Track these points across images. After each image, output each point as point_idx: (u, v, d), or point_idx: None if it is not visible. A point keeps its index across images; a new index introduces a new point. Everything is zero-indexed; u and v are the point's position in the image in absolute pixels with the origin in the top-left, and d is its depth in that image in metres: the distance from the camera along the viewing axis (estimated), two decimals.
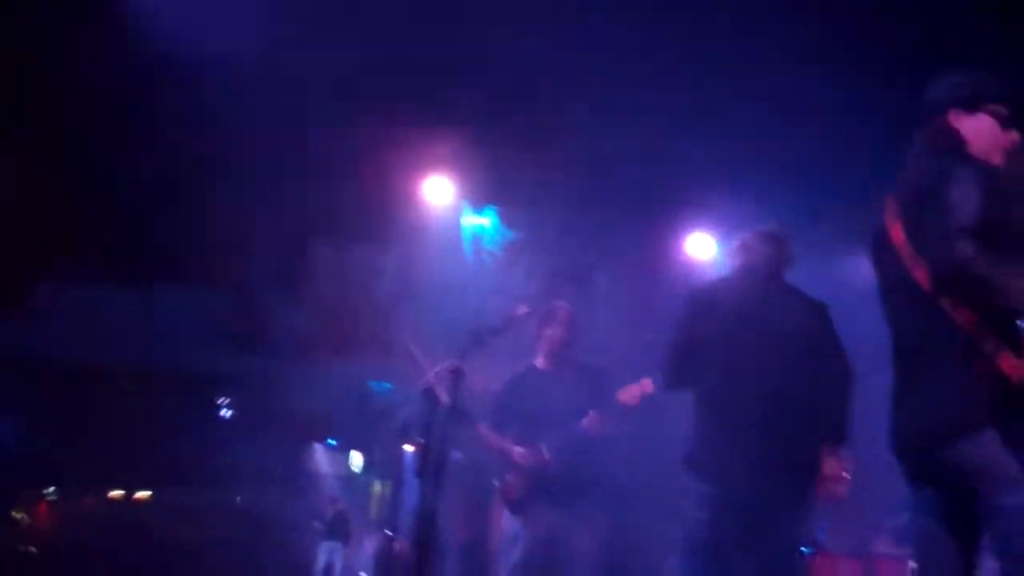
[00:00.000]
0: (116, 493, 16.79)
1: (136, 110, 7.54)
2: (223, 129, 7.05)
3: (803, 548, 4.60)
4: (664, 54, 6.81)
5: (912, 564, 5.75)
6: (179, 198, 8.78)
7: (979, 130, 3.03)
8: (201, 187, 8.26)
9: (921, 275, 2.86)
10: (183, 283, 11.92)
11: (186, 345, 12.46)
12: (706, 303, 4.45)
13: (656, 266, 8.60)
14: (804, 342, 4.27)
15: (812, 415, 4.21)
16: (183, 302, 12.21)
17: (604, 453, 5.58)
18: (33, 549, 13.61)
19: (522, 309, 4.59)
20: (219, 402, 14.85)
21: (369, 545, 12.21)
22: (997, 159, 3.02)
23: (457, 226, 8.75)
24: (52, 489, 16.16)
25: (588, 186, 8.07)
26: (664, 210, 8.51)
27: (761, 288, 4.46)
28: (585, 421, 5.27)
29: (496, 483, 6.11)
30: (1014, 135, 3.05)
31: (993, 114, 3.05)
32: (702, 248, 8.95)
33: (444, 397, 4.68)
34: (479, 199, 8.71)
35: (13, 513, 14.94)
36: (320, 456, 14.80)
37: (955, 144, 3.01)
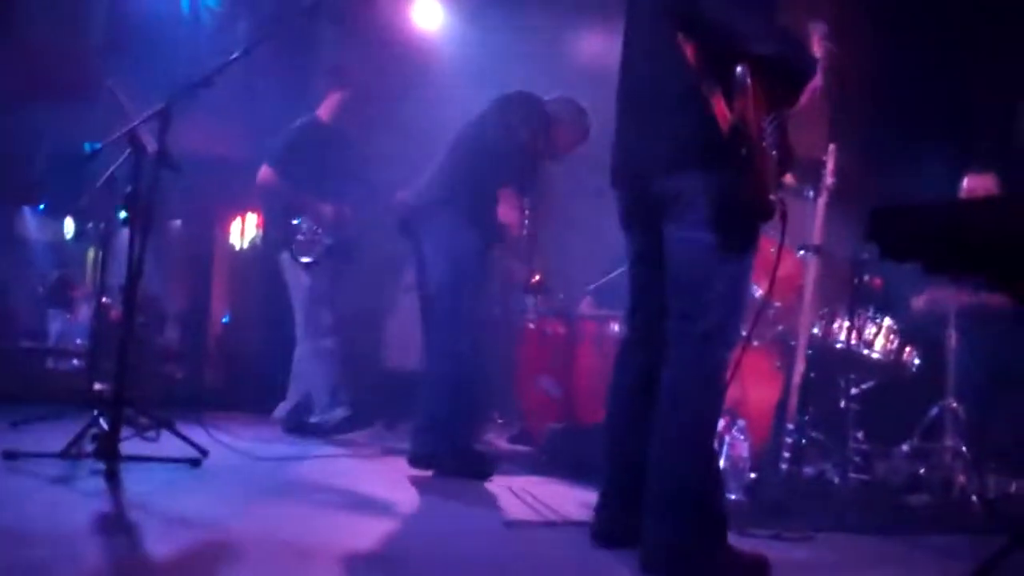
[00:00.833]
0: None
1: None
2: None
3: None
4: None
5: (616, 326, 6.22)
6: None
7: None
8: None
9: (667, 8, 2.93)
10: None
11: None
12: None
13: (384, 28, 8.49)
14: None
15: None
16: None
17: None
18: None
19: (236, 54, 4.56)
20: None
21: (85, 313, 11.92)
22: None
23: None
24: None
25: None
26: None
27: None
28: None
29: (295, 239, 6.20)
30: None
31: None
32: (429, 15, 8.85)
33: (151, 144, 4.60)
34: None
35: None
36: (30, 222, 14.09)
37: None
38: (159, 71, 8.10)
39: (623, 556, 2.87)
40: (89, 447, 4.24)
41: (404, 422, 6.28)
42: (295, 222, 6.30)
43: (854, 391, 4.72)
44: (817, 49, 3.92)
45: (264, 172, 6.30)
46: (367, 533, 3.29)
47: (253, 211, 11.43)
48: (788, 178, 3.78)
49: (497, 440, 6.49)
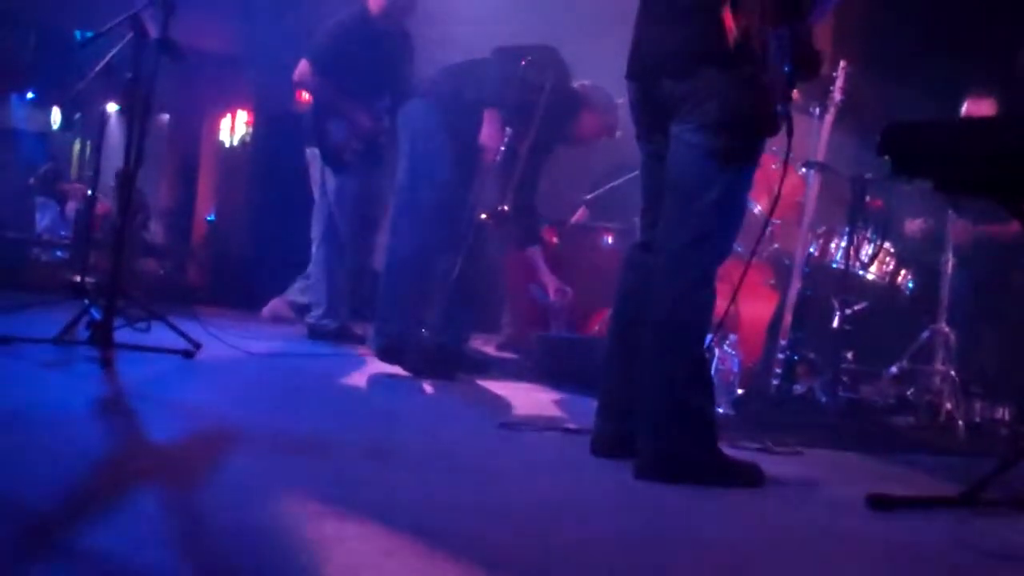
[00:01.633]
0: None
1: None
2: None
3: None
4: None
5: (608, 238, 6.20)
6: None
7: None
8: None
9: None
10: None
11: None
12: None
13: None
14: None
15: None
16: None
17: None
18: None
19: None
20: None
21: (71, 206, 11.83)
22: None
23: None
24: None
25: None
26: None
27: None
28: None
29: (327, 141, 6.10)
30: None
31: None
32: None
33: (153, 29, 4.51)
34: None
35: None
36: (16, 111, 13.90)
37: None
38: None
39: (622, 465, 2.89)
40: (83, 334, 4.24)
41: None
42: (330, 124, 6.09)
43: (847, 311, 4.73)
44: None
45: (302, 67, 5.98)
46: (359, 427, 3.32)
47: (243, 108, 11.32)
48: (795, 94, 3.78)
49: (485, 346, 6.51)
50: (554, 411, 4.16)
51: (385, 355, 4.85)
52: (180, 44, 4.57)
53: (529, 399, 4.43)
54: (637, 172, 5.53)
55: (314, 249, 6.32)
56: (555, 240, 6.25)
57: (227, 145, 11.91)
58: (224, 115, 11.81)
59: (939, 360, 4.69)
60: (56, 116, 14.22)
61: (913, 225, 5.47)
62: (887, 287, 4.97)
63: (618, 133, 5.24)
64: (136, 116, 4.56)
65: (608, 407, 3.14)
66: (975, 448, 4.18)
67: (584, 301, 6.00)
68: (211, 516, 1.97)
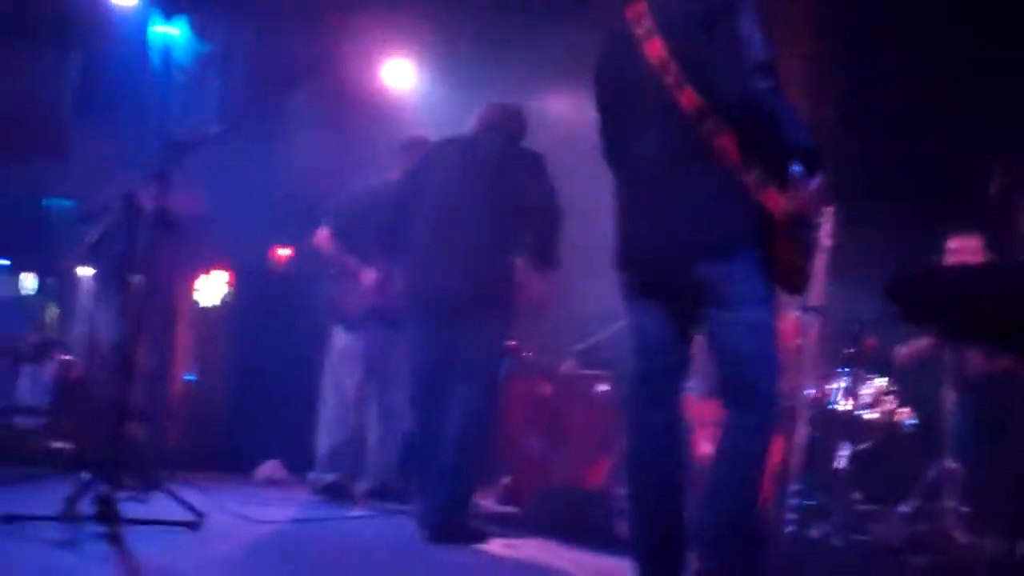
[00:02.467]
0: None
1: None
2: None
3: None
4: None
5: (602, 386, 6.20)
6: None
7: None
8: None
9: (688, 98, 2.98)
10: None
11: None
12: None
13: (355, 90, 8.51)
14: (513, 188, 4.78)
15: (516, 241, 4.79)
16: None
17: None
18: None
19: (216, 128, 4.52)
20: None
21: (47, 371, 11.72)
22: None
23: (144, 35, 8.25)
24: None
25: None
26: (362, 32, 8.37)
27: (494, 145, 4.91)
28: None
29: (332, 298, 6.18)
30: None
31: None
32: (400, 76, 8.92)
33: (148, 204, 4.57)
34: (170, 6, 8.23)
35: None
36: None
37: None
38: (129, 129, 8.09)
39: None
40: (88, 510, 4.16)
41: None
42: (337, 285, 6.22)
43: (851, 452, 4.75)
44: None
45: (321, 234, 6.20)
46: None
47: (220, 268, 11.34)
48: None
49: (484, 501, 6.43)
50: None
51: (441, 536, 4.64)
52: (175, 215, 4.63)
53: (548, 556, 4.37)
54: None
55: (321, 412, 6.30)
56: (548, 390, 6.24)
57: (203, 305, 11.88)
58: (199, 275, 11.81)
59: (948, 496, 4.69)
60: (29, 282, 14.19)
61: (901, 352, 5.50)
62: (889, 425, 4.99)
63: None
64: (125, 287, 4.60)
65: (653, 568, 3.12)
66: None
67: (581, 449, 5.97)
68: None
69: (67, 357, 11.82)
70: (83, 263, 6.51)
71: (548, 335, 6.87)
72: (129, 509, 4.33)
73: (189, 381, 11.91)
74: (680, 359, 3.26)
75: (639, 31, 3.09)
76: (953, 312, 2.89)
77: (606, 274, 5.18)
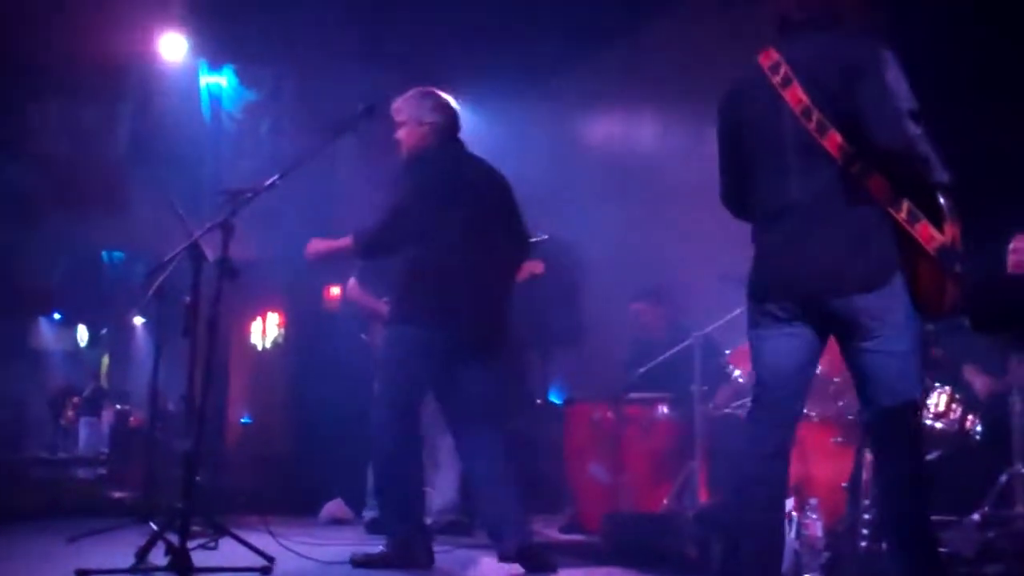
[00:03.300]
0: None
1: None
2: None
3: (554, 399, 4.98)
4: None
5: (663, 408, 6.20)
6: None
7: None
8: None
9: (833, 142, 3.17)
10: None
11: None
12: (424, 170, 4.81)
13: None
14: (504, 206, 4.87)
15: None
16: None
17: None
18: None
19: (273, 178, 4.58)
20: None
21: (106, 421, 11.92)
22: None
23: (195, 85, 8.43)
24: None
25: (330, 44, 7.94)
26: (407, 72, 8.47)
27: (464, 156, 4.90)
28: None
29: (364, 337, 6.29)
30: None
31: None
32: None
33: (210, 254, 4.65)
34: (216, 57, 8.40)
35: None
36: (45, 332, 14.14)
37: (862, 25, 3.40)
38: (183, 178, 8.25)
39: None
40: (161, 561, 4.21)
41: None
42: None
43: None
44: None
45: (350, 284, 6.32)
46: None
47: (273, 311, 11.48)
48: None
49: (547, 530, 6.44)
50: None
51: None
52: (236, 263, 4.70)
53: None
54: (689, 341, 5.66)
55: None
56: (609, 415, 6.24)
57: (259, 348, 12.03)
58: (254, 318, 11.97)
59: (1020, 503, 4.64)
60: (83, 334, 14.46)
61: (982, 385, 5.43)
62: (957, 434, 4.94)
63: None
64: (197, 338, 4.69)
65: None
66: None
67: (644, 473, 5.99)
68: None
69: (124, 407, 12.06)
70: (143, 313, 6.59)
71: (605, 363, 6.89)
72: (200, 557, 4.38)
73: (246, 424, 12.05)
74: (806, 385, 3.46)
75: (776, 78, 3.28)
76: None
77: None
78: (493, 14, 7.98)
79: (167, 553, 4.20)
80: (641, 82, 8.19)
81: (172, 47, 7.98)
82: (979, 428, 5.04)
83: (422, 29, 7.95)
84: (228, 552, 4.56)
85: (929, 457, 4.82)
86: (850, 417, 5.06)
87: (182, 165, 8.37)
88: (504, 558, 4.59)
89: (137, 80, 8.14)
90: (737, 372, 5.60)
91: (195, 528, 4.74)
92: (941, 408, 4.91)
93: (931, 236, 3.12)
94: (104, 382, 14.83)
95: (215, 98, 8.50)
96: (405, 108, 4.88)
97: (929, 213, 3.13)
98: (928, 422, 4.87)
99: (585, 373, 8.06)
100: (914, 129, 3.10)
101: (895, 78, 3.14)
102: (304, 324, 10.05)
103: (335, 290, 9.25)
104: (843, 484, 4.88)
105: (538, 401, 7.69)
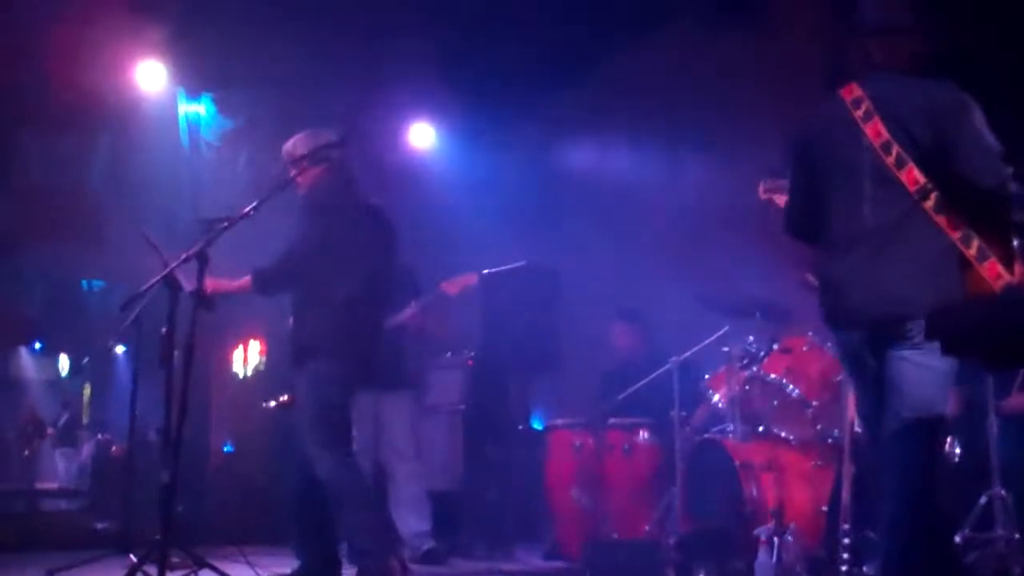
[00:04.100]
0: None
1: None
2: None
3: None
4: None
5: (643, 434, 6.18)
6: None
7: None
8: None
9: (910, 176, 3.27)
10: None
11: None
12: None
13: (381, 153, 8.61)
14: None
15: None
16: None
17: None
18: None
19: (249, 207, 4.57)
20: None
21: (86, 450, 11.85)
22: None
23: (173, 114, 8.40)
24: None
25: (307, 71, 7.96)
26: (385, 98, 8.50)
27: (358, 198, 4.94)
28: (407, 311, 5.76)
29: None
30: None
31: None
32: (423, 138, 9.10)
33: (187, 284, 4.63)
34: (194, 85, 8.39)
35: None
36: (26, 361, 14.06)
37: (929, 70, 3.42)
38: (161, 207, 8.22)
39: None
40: None
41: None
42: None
43: None
44: None
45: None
46: None
47: (255, 339, 11.44)
48: (808, 277, 4.04)
49: (529, 556, 6.42)
50: None
51: None
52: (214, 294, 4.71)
53: None
54: (668, 366, 5.67)
55: None
56: (590, 441, 6.23)
57: (240, 376, 11.98)
58: (236, 346, 11.92)
59: (1000, 524, 4.65)
60: (64, 363, 14.38)
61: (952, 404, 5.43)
62: None
63: None
64: (172, 368, 4.67)
65: None
66: None
67: (626, 499, 5.98)
68: None
69: (105, 436, 11.97)
70: (122, 342, 6.54)
71: (583, 388, 6.90)
72: None
73: (227, 452, 11.97)
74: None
75: (858, 113, 3.38)
76: (995, 341, 2.92)
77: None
78: (473, 42, 8.04)
79: None
80: (618, 109, 8.24)
81: (150, 76, 7.93)
82: (957, 450, 5.06)
83: (401, 56, 7.96)
84: None
85: None
86: (829, 441, 5.08)
87: (160, 194, 8.32)
88: None
89: (115, 109, 8.09)
90: (716, 397, 5.61)
91: (174, 559, 4.73)
92: None
93: (999, 274, 3.19)
94: (85, 412, 14.76)
95: (193, 126, 8.46)
96: (300, 147, 4.88)
97: (997, 250, 3.22)
98: None
99: (564, 399, 8.05)
100: (1007, 170, 3.22)
101: (981, 122, 3.26)
102: (285, 352, 9.99)
103: None
104: (823, 508, 4.90)
105: (519, 427, 7.66)
